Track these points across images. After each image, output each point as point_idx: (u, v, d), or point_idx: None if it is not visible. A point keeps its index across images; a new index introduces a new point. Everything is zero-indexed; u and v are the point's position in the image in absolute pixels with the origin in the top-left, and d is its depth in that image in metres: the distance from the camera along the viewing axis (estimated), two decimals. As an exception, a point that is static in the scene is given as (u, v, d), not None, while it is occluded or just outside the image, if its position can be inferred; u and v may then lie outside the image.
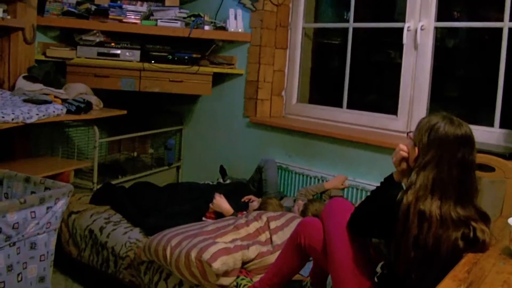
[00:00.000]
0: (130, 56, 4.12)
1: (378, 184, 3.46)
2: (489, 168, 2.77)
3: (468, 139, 1.93)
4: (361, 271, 2.12)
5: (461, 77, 3.88)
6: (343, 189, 3.69)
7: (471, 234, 1.88)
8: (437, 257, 1.86)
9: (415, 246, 1.86)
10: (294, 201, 3.66)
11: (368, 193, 3.52)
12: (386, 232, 2.01)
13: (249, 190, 3.91)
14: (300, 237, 2.34)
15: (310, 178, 3.96)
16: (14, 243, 2.29)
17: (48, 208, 2.40)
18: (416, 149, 1.96)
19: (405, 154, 2.02)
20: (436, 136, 1.92)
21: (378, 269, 2.21)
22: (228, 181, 4.18)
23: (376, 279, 2.15)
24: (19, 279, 2.33)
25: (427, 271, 1.87)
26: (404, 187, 1.98)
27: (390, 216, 1.95)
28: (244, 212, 3.44)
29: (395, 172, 2.10)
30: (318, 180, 3.89)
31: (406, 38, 3.62)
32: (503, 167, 2.73)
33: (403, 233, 1.88)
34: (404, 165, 2.03)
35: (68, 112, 3.48)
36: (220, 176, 4.28)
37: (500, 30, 3.27)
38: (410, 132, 2.07)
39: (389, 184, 2.10)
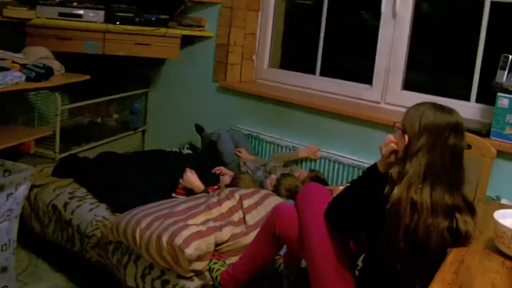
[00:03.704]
0: (93, 16, 3.86)
1: (353, 157, 3.45)
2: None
3: (460, 127, 1.89)
4: (340, 263, 2.07)
5: (440, 47, 3.78)
6: (315, 160, 3.62)
7: (454, 226, 1.84)
8: (426, 248, 1.82)
9: (405, 237, 1.81)
10: (265, 166, 3.58)
11: (341, 166, 3.51)
12: (370, 224, 1.95)
13: (218, 160, 3.79)
14: (275, 226, 2.27)
15: (281, 147, 3.87)
16: (-27, 234, 2.16)
17: (8, 195, 2.26)
18: (406, 137, 1.88)
19: (395, 147, 1.93)
20: (427, 123, 1.86)
21: (360, 263, 2.15)
22: (198, 149, 4.08)
23: (357, 273, 2.09)
24: (-20, 270, 2.21)
25: (415, 263, 1.84)
26: (392, 177, 1.90)
27: (375, 209, 1.88)
28: (215, 187, 3.35)
29: (380, 163, 2.00)
30: (290, 150, 3.80)
31: (384, 6, 3.49)
32: (480, 145, 2.69)
33: (393, 224, 1.83)
34: (393, 157, 1.95)
35: (28, 79, 3.28)
36: (199, 135, 4.14)
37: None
38: (397, 122, 1.98)
39: (374, 176, 2.00)
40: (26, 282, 3.04)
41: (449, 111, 1.90)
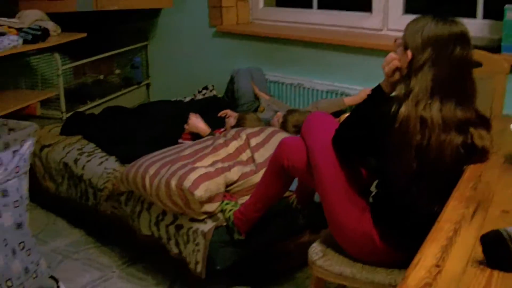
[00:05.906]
0: (83, -28, 3.80)
1: (360, 88, 3.39)
2: (475, 64, 2.63)
3: (465, 36, 1.79)
4: (353, 191, 2.00)
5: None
6: None
7: (469, 141, 1.78)
8: (440, 166, 1.75)
9: (417, 156, 1.74)
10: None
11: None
12: (379, 147, 1.87)
13: (223, 104, 3.76)
14: (282, 159, 2.20)
15: (286, 85, 3.82)
16: (-17, 194, 2.17)
17: (14, 152, 2.24)
18: (409, 52, 1.79)
19: (398, 64, 1.85)
20: (430, 35, 1.76)
21: (373, 188, 2.10)
22: (200, 97, 4.04)
23: (371, 199, 2.05)
24: (-5, 229, 2.22)
25: (429, 183, 1.76)
26: (398, 96, 1.82)
27: (383, 131, 1.81)
28: (222, 130, 3.33)
29: (384, 83, 1.92)
30: (294, 87, 3.76)
31: None
32: (491, 62, 2.57)
33: (403, 143, 1.75)
34: (397, 75, 1.87)
35: (25, 42, 3.28)
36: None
37: None
38: (398, 39, 1.91)
39: (379, 97, 1.93)
40: (45, 240, 3.10)
41: (452, 21, 1.79)
